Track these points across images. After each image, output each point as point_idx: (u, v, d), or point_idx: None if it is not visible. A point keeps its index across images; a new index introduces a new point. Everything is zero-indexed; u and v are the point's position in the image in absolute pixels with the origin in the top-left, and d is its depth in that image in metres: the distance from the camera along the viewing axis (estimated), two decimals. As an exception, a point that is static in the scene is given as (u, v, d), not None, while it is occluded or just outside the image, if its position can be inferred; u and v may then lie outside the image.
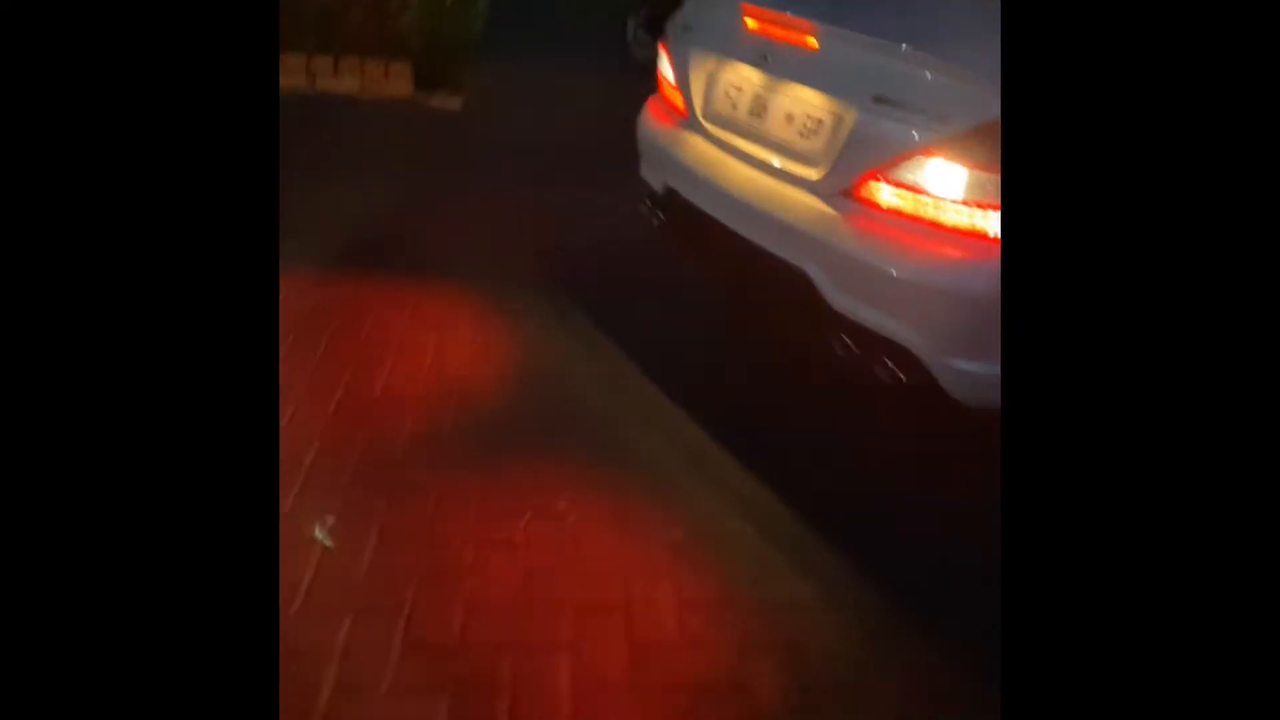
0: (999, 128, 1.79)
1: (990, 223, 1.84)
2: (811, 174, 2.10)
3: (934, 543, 2.02)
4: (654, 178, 2.66)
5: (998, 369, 1.91)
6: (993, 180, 1.81)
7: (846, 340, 2.09)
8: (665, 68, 2.62)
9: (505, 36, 6.74)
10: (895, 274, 1.92)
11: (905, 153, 1.89)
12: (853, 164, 1.99)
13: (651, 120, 2.69)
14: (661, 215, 2.66)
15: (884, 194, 1.96)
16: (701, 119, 2.46)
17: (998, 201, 1.82)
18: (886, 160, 1.92)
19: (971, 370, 1.93)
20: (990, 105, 1.78)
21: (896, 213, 1.94)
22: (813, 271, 2.09)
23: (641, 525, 1.98)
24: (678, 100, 2.56)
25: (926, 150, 1.86)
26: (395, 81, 4.98)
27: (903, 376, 2.01)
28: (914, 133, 1.87)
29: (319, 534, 1.86)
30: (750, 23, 2.25)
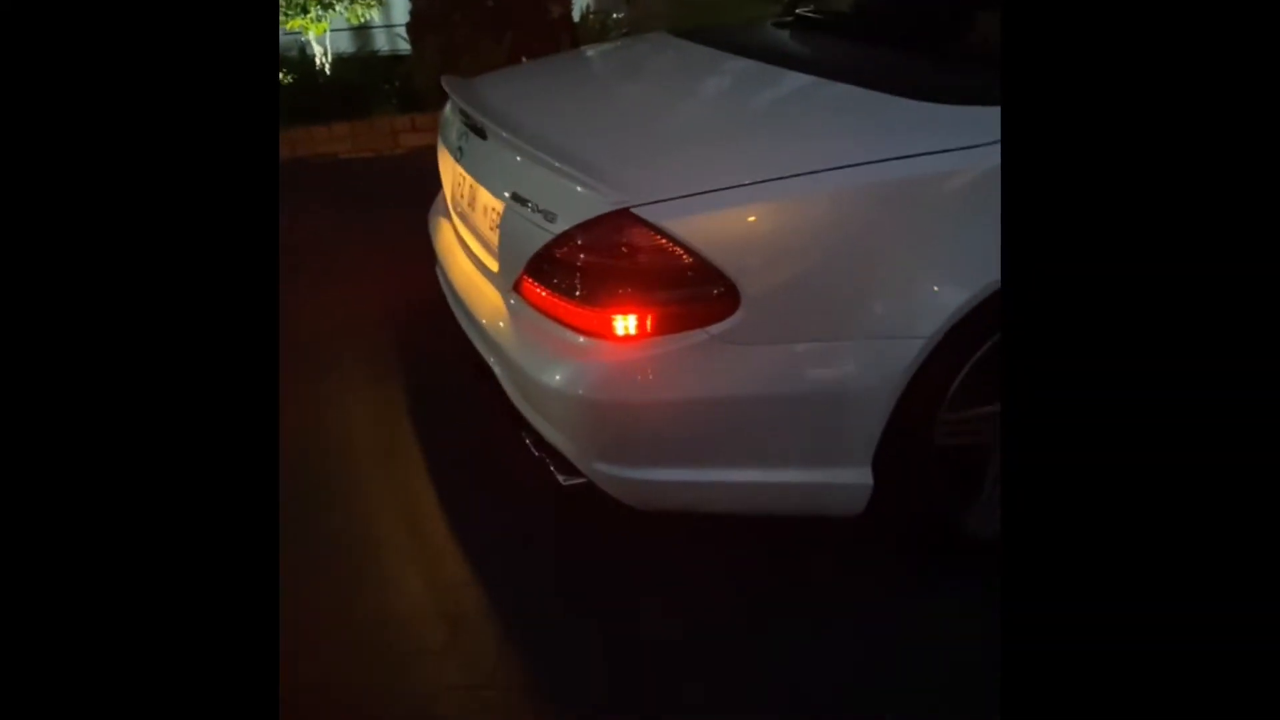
0: (600, 226, 1.71)
1: (613, 324, 1.75)
2: (495, 267, 2.06)
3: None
4: (439, 264, 2.67)
5: (641, 473, 1.82)
6: (603, 281, 1.73)
7: (529, 440, 2.03)
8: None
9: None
10: (533, 374, 1.85)
11: (536, 252, 1.83)
12: (513, 260, 1.95)
13: (432, 210, 2.71)
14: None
15: (533, 292, 1.90)
16: (450, 208, 2.46)
17: (609, 304, 1.73)
18: (528, 257, 1.86)
19: (615, 474, 1.83)
20: (592, 205, 1.71)
21: (542, 311, 1.88)
22: (497, 369, 2.05)
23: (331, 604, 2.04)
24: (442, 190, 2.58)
25: (547, 249, 1.80)
26: None
27: (562, 480, 1.93)
28: (537, 231, 1.81)
29: None
30: (462, 116, 2.26)
